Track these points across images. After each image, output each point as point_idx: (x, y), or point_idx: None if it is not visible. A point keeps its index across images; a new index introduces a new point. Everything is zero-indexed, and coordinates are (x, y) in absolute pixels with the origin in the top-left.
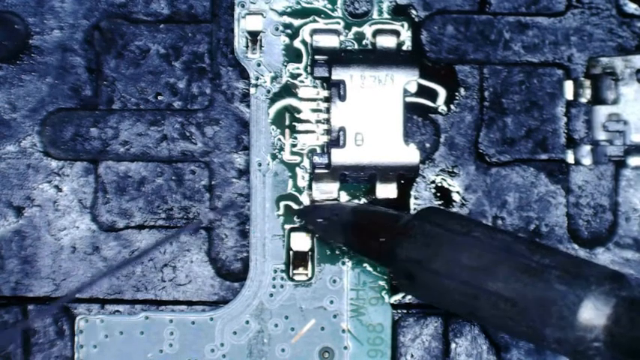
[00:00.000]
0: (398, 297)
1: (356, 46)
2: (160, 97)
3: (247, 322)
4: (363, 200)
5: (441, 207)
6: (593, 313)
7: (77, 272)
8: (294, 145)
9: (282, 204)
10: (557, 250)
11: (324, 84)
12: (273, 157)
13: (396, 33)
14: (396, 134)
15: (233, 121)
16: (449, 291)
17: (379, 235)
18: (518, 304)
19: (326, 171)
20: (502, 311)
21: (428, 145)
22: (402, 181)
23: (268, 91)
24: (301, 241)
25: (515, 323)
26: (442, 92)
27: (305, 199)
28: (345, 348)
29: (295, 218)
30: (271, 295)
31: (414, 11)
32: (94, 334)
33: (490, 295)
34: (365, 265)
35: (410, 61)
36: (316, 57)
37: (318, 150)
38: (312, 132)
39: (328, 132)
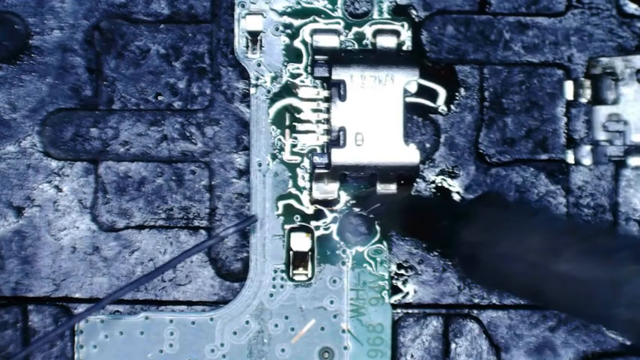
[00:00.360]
0: (398, 297)
1: (356, 46)
2: (160, 97)
3: (247, 322)
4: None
5: (499, 193)
6: None
7: (77, 272)
8: (294, 145)
9: (280, 203)
10: (624, 234)
11: (324, 84)
12: (274, 157)
13: (396, 33)
14: (396, 134)
15: (233, 121)
16: (515, 274)
17: (441, 219)
18: (588, 285)
19: (326, 171)
20: (571, 293)
21: (428, 145)
22: (402, 181)
23: (268, 91)
24: (301, 242)
25: (584, 304)
26: (442, 92)
27: (305, 200)
28: (345, 348)
29: (352, 205)
30: (271, 295)
31: (414, 11)
32: (94, 334)
33: (558, 277)
34: (365, 265)
35: (410, 61)
36: (316, 57)
37: (318, 150)
38: (312, 132)
39: (328, 132)
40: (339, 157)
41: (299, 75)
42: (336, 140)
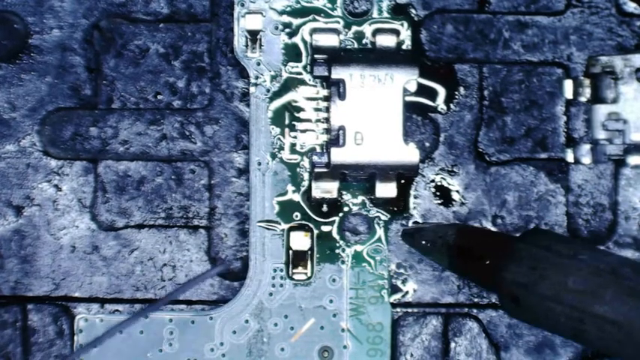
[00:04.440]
0: (397, 296)
1: (356, 45)
2: (159, 97)
3: (247, 321)
4: (362, 199)
5: (546, 229)
6: None
7: (77, 272)
8: (293, 145)
9: (276, 200)
10: None
11: (324, 83)
12: (273, 156)
13: (396, 32)
14: (396, 133)
15: (233, 120)
16: (555, 314)
17: (484, 258)
18: (624, 327)
19: (325, 170)
20: (608, 334)
21: (427, 144)
22: (402, 180)
23: (268, 90)
24: (301, 241)
25: (621, 346)
26: (442, 91)
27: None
28: (345, 347)
29: (401, 239)
30: (271, 294)
31: (413, 10)
32: (94, 333)
33: (596, 319)
34: (364, 264)
35: (409, 60)
36: (316, 56)
37: (318, 149)
38: (312, 131)
39: (328, 131)
40: (338, 156)
41: (299, 74)
42: (335, 139)
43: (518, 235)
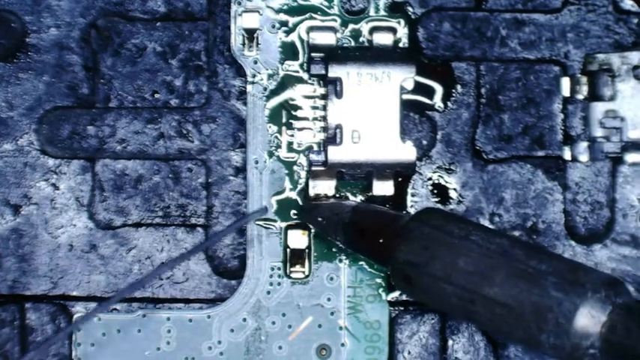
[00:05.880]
0: (395, 294)
1: (353, 44)
2: (156, 95)
3: (244, 319)
4: (360, 198)
5: (439, 208)
6: (588, 321)
7: (74, 270)
8: (290, 143)
9: (274, 199)
10: (555, 255)
11: (321, 81)
12: (270, 154)
13: (393, 30)
14: (393, 131)
15: (230, 118)
16: (446, 295)
17: (378, 236)
18: (514, 310)
19: (323, 168)
20: (498, 316)
21: (425, 142)
22: (399, 179)
23: (265, 89)
24: (298, 239)
25: (511, 328)
26: (439, 89)
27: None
28: (343, 345)
29: (296, 216)
30: (268, 292)
31: (410, 8)
32: (92, 332)
33: (486, 301)
34: (362, 262)
35: (407, 58)
36: (313, 54)
37: (315, 147)
38: (309, 129)
39: (325, 129)
40: (335, 154)
41: (296, 72)
42: (332, 138)
43: (410, 214)
